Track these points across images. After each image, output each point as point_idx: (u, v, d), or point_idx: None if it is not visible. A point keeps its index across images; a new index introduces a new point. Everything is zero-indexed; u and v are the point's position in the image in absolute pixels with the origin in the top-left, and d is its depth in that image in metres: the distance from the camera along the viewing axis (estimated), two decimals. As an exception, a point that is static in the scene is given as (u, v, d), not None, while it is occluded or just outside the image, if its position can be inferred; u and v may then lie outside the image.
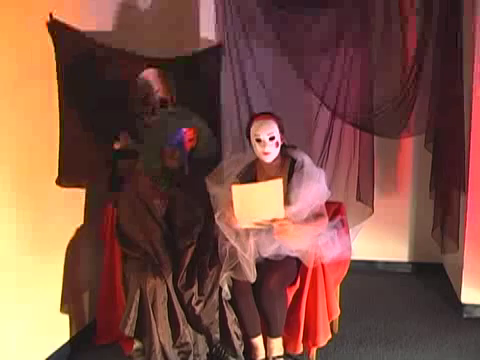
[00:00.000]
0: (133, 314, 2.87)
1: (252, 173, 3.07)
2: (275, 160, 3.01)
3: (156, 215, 3.06)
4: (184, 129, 3.02)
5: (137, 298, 2.86)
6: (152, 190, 3.09)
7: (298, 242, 2.86)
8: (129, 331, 2.87)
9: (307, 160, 2.99)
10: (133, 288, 2.89)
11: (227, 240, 2.88)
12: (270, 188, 2.74)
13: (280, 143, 2.99)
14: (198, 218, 3.08)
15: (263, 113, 3.05)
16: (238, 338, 3.02)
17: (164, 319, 2.90)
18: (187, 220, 3.08)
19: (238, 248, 2.86)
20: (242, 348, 3.03)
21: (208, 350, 3.05)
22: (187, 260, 2.96)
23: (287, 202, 2.85)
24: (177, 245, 3.03)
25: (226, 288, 2.97)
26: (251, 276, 2.88)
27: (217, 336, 3.01)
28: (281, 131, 2.98)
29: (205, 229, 3.08)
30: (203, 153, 3.13)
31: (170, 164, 3.11)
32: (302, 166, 2.96)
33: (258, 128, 2.95)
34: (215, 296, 2.95)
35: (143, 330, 2.89)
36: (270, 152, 2.95)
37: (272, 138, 2.94)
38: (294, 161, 3.01)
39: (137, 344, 2.99)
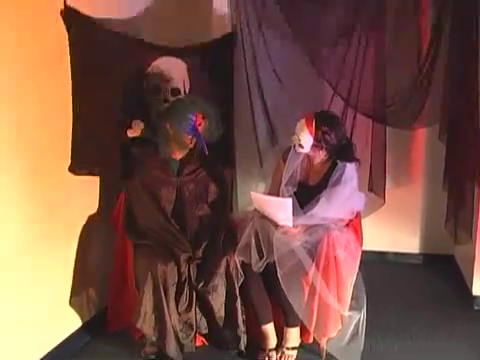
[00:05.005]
0: (145, 308, 2.87)
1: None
2: (318, 157, 3.10)
3: (163, 204, 3.09)
4: (192, 115, 3.00)
5: (148, 290, 2.87)
6: (161, 179, 3.11)
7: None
8: (142, 325, 2.87)
9: (348, 173, 3.02)
10: (143, 275, 2.90)
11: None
12: (281, 204, 2.95)
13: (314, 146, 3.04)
14: (207, 209, 3.16)
15: (312, 116, 3.04)
16: (243, 332, 3.02)
17: (173, 301, 2.92)
18: (197, 211, 3.14)
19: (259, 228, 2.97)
20: (245, 342, 3.04)
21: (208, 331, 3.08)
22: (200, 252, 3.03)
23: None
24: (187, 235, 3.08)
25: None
26: (259, 264, 2.93)
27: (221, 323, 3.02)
28: (323, 139, 3.00)
29: (216, 218, 3.15)
30: (212, 136, 3.11)
31: (183, 150, 3.13)
32: (338, 179, 3.00)
33: (298, 127, 3.04)
34: (224, 284, 2.98)
35: (156, 318, 2.90)
36: (298, 147, 3.06)
37: (300, 145, 3.03)
38: (336, 164, 3.07)
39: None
